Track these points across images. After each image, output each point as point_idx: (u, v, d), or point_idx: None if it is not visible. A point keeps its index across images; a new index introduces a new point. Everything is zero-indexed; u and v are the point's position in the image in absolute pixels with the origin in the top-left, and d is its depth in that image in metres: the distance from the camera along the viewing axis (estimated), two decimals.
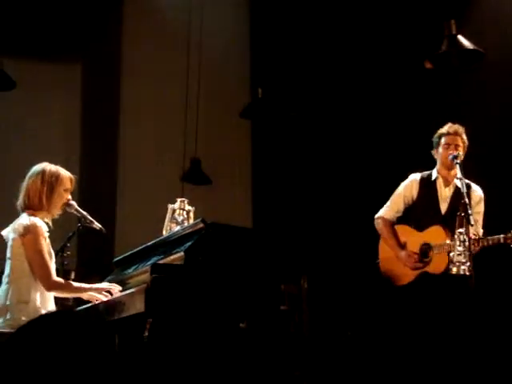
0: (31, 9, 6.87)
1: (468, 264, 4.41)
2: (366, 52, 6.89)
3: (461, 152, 4.85)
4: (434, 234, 4.78)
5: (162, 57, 7.49)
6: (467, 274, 4.47)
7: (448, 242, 4.64)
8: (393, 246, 4.95)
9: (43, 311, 4.04)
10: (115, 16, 7.12)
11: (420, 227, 4.88)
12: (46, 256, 4.07)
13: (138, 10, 7.38)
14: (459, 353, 4.52)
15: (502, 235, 4.54)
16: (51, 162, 4.30)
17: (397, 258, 4.90)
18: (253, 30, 7.83)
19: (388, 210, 5.06)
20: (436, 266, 4.67)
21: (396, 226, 5.03)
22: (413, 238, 4.89)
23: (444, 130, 4.96)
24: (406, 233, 4.97)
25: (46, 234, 4.13)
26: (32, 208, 4.15)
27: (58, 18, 6.88)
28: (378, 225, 5.07)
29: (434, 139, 5.00)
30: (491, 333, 4.99)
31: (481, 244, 4.62)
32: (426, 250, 4.82)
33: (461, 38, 5.41)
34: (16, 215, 4.20)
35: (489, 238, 4.61)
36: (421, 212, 4.94)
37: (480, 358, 4.49)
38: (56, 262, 4.22)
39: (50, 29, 6.92)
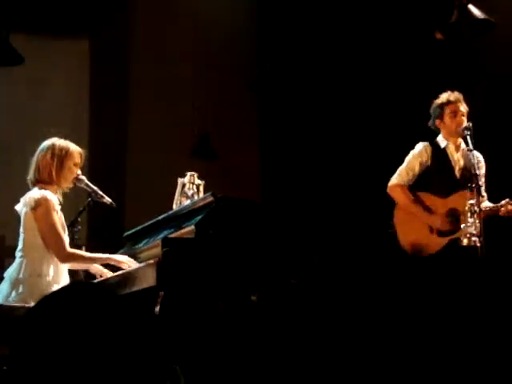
0: None
1: (479, 235, 4.41)
2: (375, 24, 6.82)
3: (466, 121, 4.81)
4: (462, 199, 4.63)
5: (170, 32, 7.45)
6: (478, 245, 4.48)
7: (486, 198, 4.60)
8: (420, 212, 4.77)
9: (56, 285, 4.06)
10: None
11: (441, 194, 4.79)
12: (59, 228, 4.09)
13: None
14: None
15: None
16: (60, 136, 4.30)
17: (427, 223, 4.75)
18: (260, 5, 7.76)
19: (403, 176, 4.90)
20: None
21: (418, 193, 4.88)
22: (440, 205, 4.77)
23: (444, 98, 4.91)
24: (429, 199, 4.82)
25: (58, 207, 4.15)
26: (42, 182, 4.17)
27: None
28: (396, 192, 4.89)
29: (435, 109, 4.95)
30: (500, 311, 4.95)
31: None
32: (455, 216, 4.74)
33: (471, 7, 5.34)
34: (26, 190, 4.21)
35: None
36: (437, 180, 4.86)
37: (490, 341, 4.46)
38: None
39: (56, 3, 6.89)
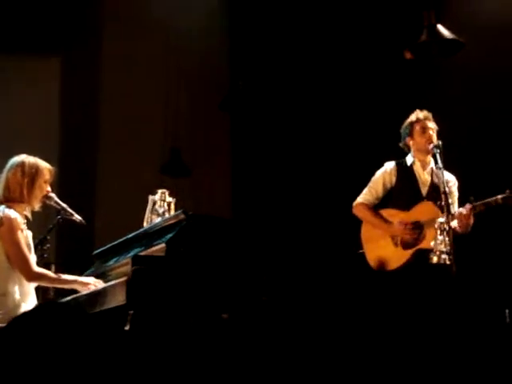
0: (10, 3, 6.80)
1: (449, 253, 4.45)
2: (345, 43, 6.88)
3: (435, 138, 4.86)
4: (424, 210, 4.74)
5: (141, 48, 7.44)
6: (448, 263, 4.51)
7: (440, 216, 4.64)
8: (381, 224, 4.86)
9: (23, 304, 4.01)
10: (94, 6, 7.05)
11: (404, 208, 4.84)
12: (24, 247, 4.04)
13: (117, 1, 7.32)
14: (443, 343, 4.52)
15: (499, 195, 4.53)
16: (30, 153, 4.26)
17: (388, 232, 4.81)
18: (232, 22, 7.78)
19: (367, 196, 5.00)
20: (431, 240, 4.54)
21: (380, 211, 4.96)
22: (401, 218, 4.82)
23: (413, 116, 4.97)
24: (392, 215, 4.89)
25: (23, 226, 4.10)
26: (12, 200, 4.11)
27: (37, 11, 6.80)
28: (359, 210, 4.99)
29: (405, 129, 5.01)
30: (474, 322, 4.99)
31: (477, 209, 4.61)
32: (418, 227, 4.77)
33: (440, 27, 5.42)
34: None
35: (486, 200, 4.58)
36: (402, 197, 4.92)
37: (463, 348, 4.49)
38: (36, 255, 4.20)
39: (27, 22, 6.85)
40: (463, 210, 4.66)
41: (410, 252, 4.76)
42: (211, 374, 4.06)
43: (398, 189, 4.97)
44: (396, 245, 4.84)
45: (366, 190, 5.03)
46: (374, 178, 5.04)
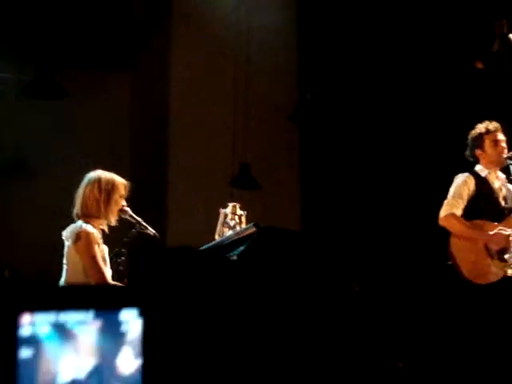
0: (81, 21, 6.98)
1: None
2: (416, 53, 6.83)
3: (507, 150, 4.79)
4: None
5: (210, 63, 7.53)
6: None
7: None
8: (478, 234, 4.70)
9: None
10: (162, 25, 7.17)
11: (492, 220, 4.73)
12: (100, 261, 4.13)
13: (186, 20, 7.42)
14: None
15: None
16: (101, 167, 4.36)
17: (487, 242, 4.67)
18: (300, 35, 7.82)
19: (453, 205, 4.80)
20: None
21: (470, 221, 4.81)
22: (496, 228, 4.69)
23: (483, 128, 4.87)
24: (484, 224, 4.75)
25: (100, 241, 4.20)
26: (89, 216, 4.22)
27: (107, 28, 6.98)
28: (449, 221, 4.77)
29: (474, 139, 4.90)
30: None
31: None
32: None
33: None
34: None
35: None
36: (484, 207, 4.80)
37: None
38: (111, 268, 4.30)
39: (99, 39, 7.03)
40: None
41: (502, 270, 4.63)
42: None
43: (479, 200, 4.83)
44: (492, 257, 4.70)
45: (449, 201, 4.84)
46: (454, 189, 4.87)
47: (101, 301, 2.62)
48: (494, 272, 4.66)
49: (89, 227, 4.15)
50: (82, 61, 7.06)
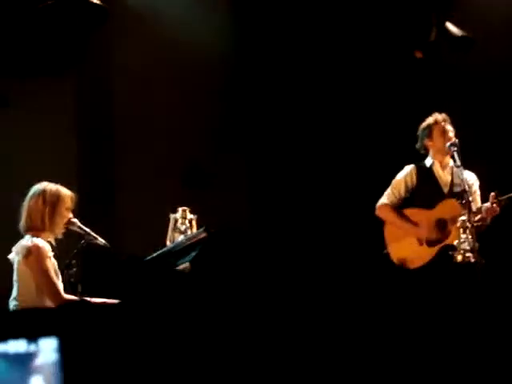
0: (21, 28, 6.84)
1: (473, 251, 4.46)
2: (355, 45, 6.86)
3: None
4: (447, 208, 4.79)
5: (154, 61, 7.44)
6: (472, 260, 4.52)
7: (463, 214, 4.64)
8: (407, 226, 4.93)
9: None
10: (102, 28, 7.06)
11: (427, 207, 4.90)
12: (53, 275, 4.10)
13: (126, 21, 7.33)
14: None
15: None
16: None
17: (414, 235, 4.88)
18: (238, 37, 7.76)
19: (390, 197, 5.05)
20: (456, 237, 4.57)
21: (403, 210, 5.01)
22: (425, 217, 4.89)
23: (432, 119, 5.04)
24: (415, 214, 4.95)
25: (51, 254, 4.15)
26: (35, 229, 4.15)
27: (48, 35, 6.84)
28: (382, 212, 5.05)
29: (423, 130, 5.07)
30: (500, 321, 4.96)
31: (503, 203, 4.66)
32: (442, 225, 4.82)
33: (450, 25, 5.41)
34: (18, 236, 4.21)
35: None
36: (424, 198, 4.97)
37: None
38: (62, 280, 4.24)
39: (39, 45, 6.89)
40: (488, 204, 4.69)
41: (435, 250, 4.81)
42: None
43: (420, 190, 5.02)
44: (421, 243, 4.89)
45: (388, 192, 5.08)
46: (395, 180, 5.09)
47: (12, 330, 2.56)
48: (423, 256, 4.83)
49: (39, 241, 4.10)
50: (21, 68, 6.92)
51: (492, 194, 4.71)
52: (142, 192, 6.93)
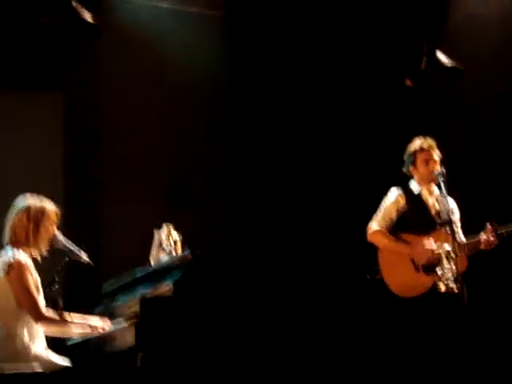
0: (11, 40, 6.82)
1: (457, 281, 4.46)
2: (346, 71, 6.90)
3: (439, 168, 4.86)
4: (442, 236, 4.71)
5: (142, 78, 7.45)
6: (455, 291, 4.51)
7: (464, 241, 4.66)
8: (403, 247, 4.80)
9: (32, 345, 4.01)
10: (93, 45, 7.05)
11: (422, 233, 4.80)
12: (33, 290, 4.04)
13: (116, 38, 7.32)
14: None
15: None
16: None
17: (411, 256, 4.77)
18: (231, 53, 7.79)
19: (381, 222, 4.92)
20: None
21: (399, 234, 4.91)
22: (420, 241, 4.77)
23: (417, 146, 4.96)
24: (411, 238, 4.83)
25: (33, 269, 4.10)
26: (19, 243, 4.12)
27: (38, 48, 6.83)
28: (376, 237, 4.90)
29: (408, 156, 5.00)
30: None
31: (504, 235, 4.60)
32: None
33: (440, 55, 5.44)
34: None
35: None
36: (415, 222, 4.89)
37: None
38: (44, 296, 4.20)
39: (28, 58, 6.87)
40: (486, 236, 4.65)
41: (430, 281, 4.70)
42: None
43: (411, 215, 4.93)
44: (417, 270, 4.79)
45: (379, 217, 4.95)
46: (385, 205, 4.98)
47: None
48: (419, 286, 4.74)
49: (21, 256, 4.05)
50: (9, 80, 6.90)
51: (489, 227, 4.65)
52: (128, 205, 6.93)
